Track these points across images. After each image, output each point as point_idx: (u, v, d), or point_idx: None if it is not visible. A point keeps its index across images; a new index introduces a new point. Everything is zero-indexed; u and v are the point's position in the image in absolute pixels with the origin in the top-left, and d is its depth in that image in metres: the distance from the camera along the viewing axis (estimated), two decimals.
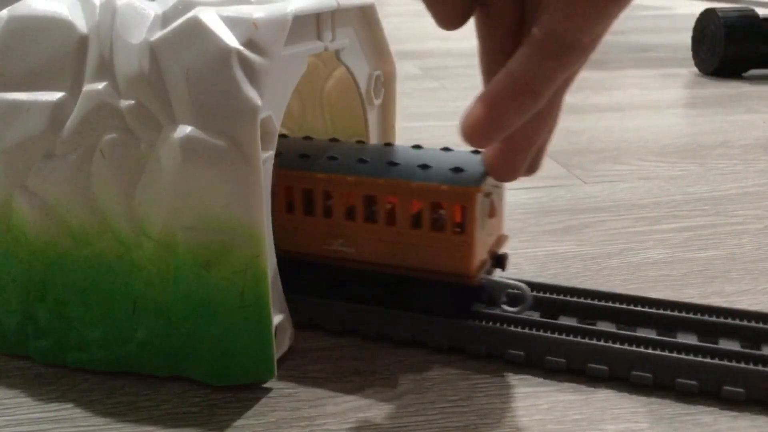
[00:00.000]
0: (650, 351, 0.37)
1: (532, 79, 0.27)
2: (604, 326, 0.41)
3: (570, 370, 0.39)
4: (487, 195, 0.40)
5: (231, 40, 0.34)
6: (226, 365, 0.37)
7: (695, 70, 1.24)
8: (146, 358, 0.38)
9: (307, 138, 0.46)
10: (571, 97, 1.04)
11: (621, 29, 1.75)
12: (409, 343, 0.41)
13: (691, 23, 1.24)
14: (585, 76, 1.22)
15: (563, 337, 0.39)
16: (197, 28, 0.34)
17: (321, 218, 0.41)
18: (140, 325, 0.38)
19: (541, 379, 0.38)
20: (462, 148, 0.32)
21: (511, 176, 0.31)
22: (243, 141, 0.34)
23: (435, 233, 0.39)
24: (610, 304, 0.42)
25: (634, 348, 0.38)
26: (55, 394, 0.38)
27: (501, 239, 0.44)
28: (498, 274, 0.43)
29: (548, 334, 0.39)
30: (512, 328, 0.40)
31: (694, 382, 0.36)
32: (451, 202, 0.39)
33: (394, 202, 0.40)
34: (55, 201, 0.37)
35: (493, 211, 0.41)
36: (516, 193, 0.66)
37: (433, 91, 1.12)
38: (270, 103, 0.35)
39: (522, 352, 0.39)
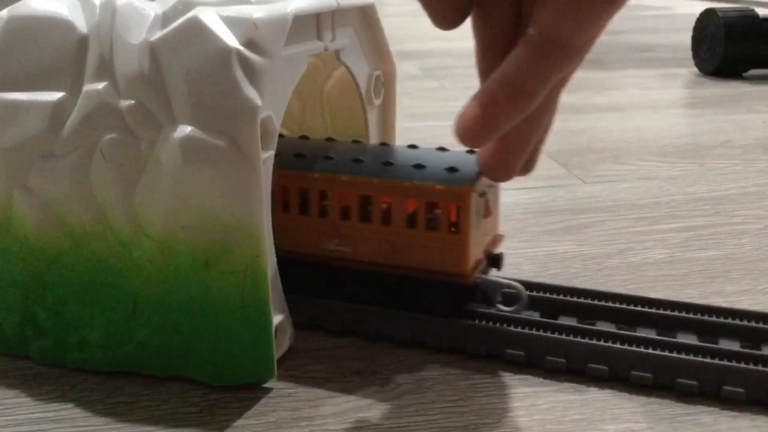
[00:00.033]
0: (650, 351, 0.37)
1: (526, 79, 0.27)
2: (604, 326, 0.41)
3: (570, 370, 0.39)
4: (482, 195, 0.40)
5: (231, 40, 0.34)
6: (226, 365, 0.37)
7: (695, 70, 1.24)
8: (146, 358, 0.38)
9: (303, 137, 0.47)
10: (571, 97, 1.04)
11: (621, 29, 1.75)
12: (409, 343, 0.41)
13: (691, 23, 1.24)
14: (585, 76, 1.22)
15: (563, 337, 0.39)
16: (197, 28, 0.34)
17: (317, 218, 0.41)
18: (140, 325, 0.38)
19: (541, 379, 0.38)
20: (457, 147, 0.32)
21: (505, 176, 0.31)
22: (243, 141, 0.34)
23: (430, 233, 0.39)
24: (610, 304, 0.42)
25: (634, 348, 0.38)
26: (55, 394, 0.38)
27: (496, 239, 0.44)
28: (494, 274, 0.43)
29: (548, 334, 0.39)
30: (512, 328, 0.40)
31: (694, 382, 0.36)
32: (446, 201, 0.39)
33: (390, 202, 0.40)
34: (55, 201, 0.37)
35: (488, 211, 0.41)
36: (516, 193, 0.66)
37: (433, 91, 1.12)
38: (270, 103, 0.35)
39: (522, 352, 0.39)
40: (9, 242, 0.39)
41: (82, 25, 0.36)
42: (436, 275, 0.40)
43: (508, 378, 0.39)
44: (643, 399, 0.37)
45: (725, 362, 0.36)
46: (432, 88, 1.15)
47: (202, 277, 0.36)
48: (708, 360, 0.36)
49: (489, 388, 0.38)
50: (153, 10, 0.36)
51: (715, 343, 0.39)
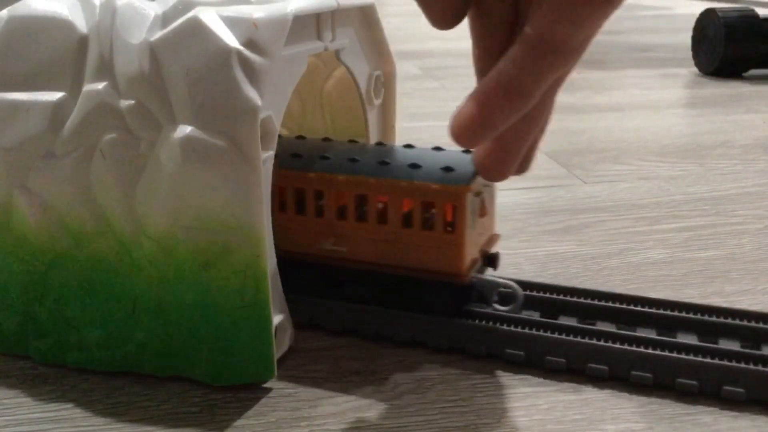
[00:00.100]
0: (650, 351, 0.37)
1: (521, 80, 0.27)
2: (604, 326, 0.41)
3: (570, 370, 0.39)
4: (478, 194, 0.40)
5: (231, 40, 0.34)
6: (226, 365, 0.37)
7: (695, 70, 1.24)
8: (146, 358, 0.38)
9: (300, 137, 0.47)
10: (571, 97, 1.04)
11: (621, 29, 1.75)
12: (409, 343, 0.41)
13: (691, 23, 1.24)
14: (585, 76, 1.22)
15: (563, 337, 0.39)
16: (197, 28, 0.34)
17: (313, 217, 0.42)
18: (140, 325, 0.38)
19: (541, 379, 0.38)
20: (454, 147, 0.32)
21: (501, 176, 0.31)
22: (243, 141, 0.34)
23: (426, 232, 0.40)
24: (610, 304, 0.42)
25: (634, 348, 0.38)
26: (55, 394, 0.38)
27: (493, 238, 0.44)
28: (490, 273, 0.43)
29: (548, 334, 0.39)
30: (512, 328, 0.40)
31: (694, 382, 0.36)
32: (442, 201, 0.39)
33: (386, 202, 0.40)
34: (55, 201, 0.37)
35: (483, 211, 0.41)
36: (516, 193, 0.66)
37: (433, 91, 1.12)
38: (270, 103, 0.35)
39: (522, 352, 0.39)
40: (9, 242, 0.39)
41: (82, 25, 0.36)
42: (432, 275, 0.40)
43: (508, 378, 0.39)
44: (643, 399, 0.37)
45: (725, 362, 0.36)
46: (432, 88, 1.15)
47: (202, 277, 0.36)
48: (708, 360, 0.36)
49: (489, 388, 0.38)
50: (153, 10, 0.36)
51: (715, 343, 0.39)
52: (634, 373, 0.37)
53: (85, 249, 0.38)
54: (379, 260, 0.41)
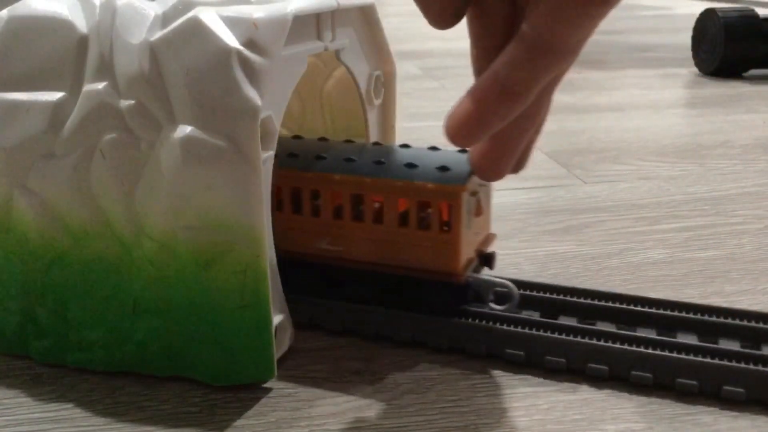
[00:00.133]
0: (650, 351, 0.37)
1: (515, 80, 0.27)
2: (604, 326, 0.41)
3: (570, 370, 0.39)
4: (474, 194, 0.40)
5: (231, 40, 0.34)
6: (226, 365, 0.37)
7: (695, 70, 1.24)
8: (146, 358, 0.38)
9: (297, 137, 0.47)
10: (571, 97, 1.04)
11: (621, 29, 1.75)
12: (409, 343, 0.41)
13: (691, 23, 1.24)
14: (585, 76, 1.22)
15: (563, 337, 0.39)
16: (197, 28, 0.34)
17: (309, 217, 0.42)
18: (140, 325, 0.38)
19: (541, 379, 0.38)
20: (450, 147, 0.32)
21: (496, 176, 0.31)
22: (243, 141, 0.34)
23: (421, 232, 0.40)
24: (610, 304, 0.42)
25: (634, 348, 0.38)
26: (55, 394, 0.38)
27: (489, 238, 0.44)
28: (487, 273, 0.43)
29: (548, 334, 0.39)
30: (512, 327, 0.40)
31: (694, 382, 0.36)
32: (438, 200, 0.39)
33: (382, 201, 0.40)
34: (55, 201, 0.37)
35: (479, 210, 0.41)
36: (516, 193, 0.66)
37: (433, 91, 1.12)
38: (270, 103, 0.35)
39: (522, 352, 0.39)
40: (9, 242, 0.39)
41: (82, 25, 0.36)
42: (428, 274, 0.40)
43: (508, 378, 0.39)
44: (643, 399, 0.37)
45: (725, 362, 0.36)
46: (432, 88, 1.15)
47: (202, 277, 0.36)
48: (708, 360, 0.36)
49: (489, 388, 0.38)
50: (153, 10, 0.36)
51: (715, 343, 0.39)
52: (634, 373, 0.37)
53: (85, 249, 0.38)
54: (375, 260, 0.41)
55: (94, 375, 0.39)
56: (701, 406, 0.36)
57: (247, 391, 0.38)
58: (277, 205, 0.42)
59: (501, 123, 0.28)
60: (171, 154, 0.34)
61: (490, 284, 0.40)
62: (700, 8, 1.28)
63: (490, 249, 0.44)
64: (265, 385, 0.38)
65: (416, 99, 1.06)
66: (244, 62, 0.34)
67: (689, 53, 1.25)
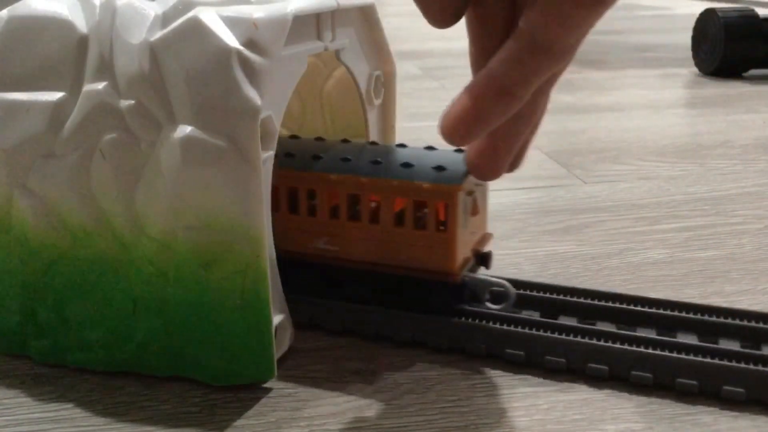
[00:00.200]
0: (650, 351, 0.37)
1: (510, 80, 0.27)
2: (604, 326, 0.41)
3: (570, 370, 0.39)
4: (470, 193, 0.40)
5: (231, 40, 0.34)
6: (226, 365, 0.37)
7: (695, 70, 1.24)
8: (146, 358, 0.38)
9: (294, 137, 0.47)
10: (571, 97, 1.04)
11: (621, 29, 1.75)
12: (409, 343, 0.41)
13: (691, 23, 1.24)
14: (585, 76, 1.22)
15: (563, 337, 0.39)
16: (197, 28, 0.34)
17: (305, 216, 0.42)
18: (140, 325, 0.38)
19: (541, 379, 0.38)
20: (447, 147, 0.32)
21: (492, 175, 0.31)
22: (243, 141, 0.34)
23: (418, 231, 0.40)
24: (610, 304, 0.42)
25: (634, 348, 0.38)
26: (55, 394, 0.38)
27: (485, 237, 0.44)
28: (483, 272, 0.43)
29: (548, 334, 0.39)
30: (512, 327, 0.40)
31: (694, 382, 0.36)
32: (434, 200, 0.39)
33: (378, 201, 0.40)
34: (55, 201, 0.37)
35: (476, 210, 0.41)
36: (516, 193, 0.66)
37: (433, 91, 1.12)
38: (270, 103, 0.35)
39: (522, 352, 0.39)
40: (9, 242, 0.39)
41: (82, 25, 0.36)
42: (424, 274, 0.40)
43: (508, 378, 0.39)
44: (643, 399, 0.37)
45: (725, 362, 0.36)
46: (432, 88, 1.15)
47: (202, 277, 0.36)
48: (708, 360, 0.36)
49: (489, 388, 0.38)
50: (153, 10, 0.36)
51: (715, 343, 0.39)
52: (634, 373, 0.37)
53: (85, 249, 0.38)
54: (372, 259, 0.41)
55: (94, 375, 0.39)
56: (701, 406, 0.36)
57: (247, 391, 0.38)
58: (273, 205, 0.42)
59: (496, 122, 0.28)
60: (171, 154, 0.34)
61: (487, 284, 0.41)
62: (700, 8, 1.28)
63: (486, 248, 0.44)
64: (265, 385, 0.38)
65: (416, 99, 1.06)
66: (244, 62, 0.34)
67: (689, 53, 1.25)
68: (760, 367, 0.36)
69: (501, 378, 0.39)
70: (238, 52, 0.34)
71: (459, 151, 0.40)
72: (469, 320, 0.40)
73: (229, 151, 0.34)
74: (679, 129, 0.91)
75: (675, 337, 0.39)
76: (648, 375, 0.37)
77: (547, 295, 0.43)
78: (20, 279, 0.39)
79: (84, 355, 0.39)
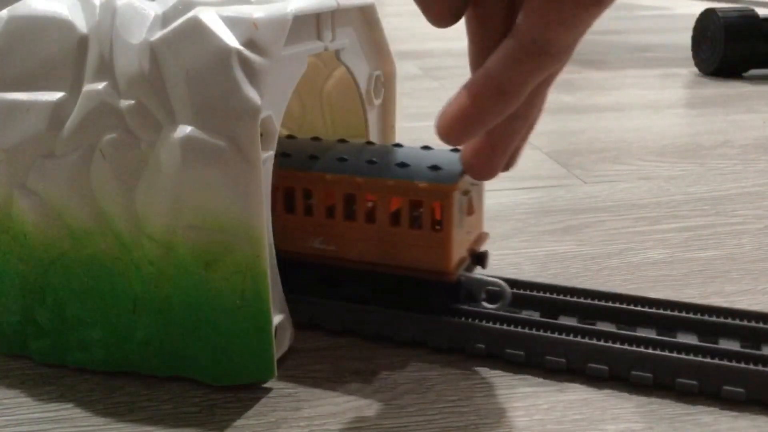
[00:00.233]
0: (650, 351, 0.37)
1: (507, 79, 0.27)
2: (604, 326, 0.41)
3: (570, 370, 0.39)
4: (466, 193, 0.40)
5: (231, 40, 0.34)
6: (226, 365, 0.37)
7: (695, 70, 1.24)
8: (146, 358, 0.38)
9: (290, 136, 0.47)
10: (571, 97, 1.04)
11: (621, 29, 1.75)
12: (409, 343, 0.41)
13: (691, 23, 1.24)
14: (585, 76, 1.22)
15: (563, 337, 0.39)
16: (197, 28, 0.34)
17: (302, 216, 0.42)
18: (140, 325, 0.38)
19: (541, 379, 0.38)
20: (443, 146, 0.32)
21: (488, 175, 0.31)
22: (243, 141, 0.34)
23: (414, 231, 0.40)
24: (610, 304, 0.42)
25: (634, 348, 0.38)
26: (55, 394, 0.38)
27: (481, 237, 0.44)
28: (479, 271, 0.43)
29: (548, 334, 0.39)
30: (512, 328, 0.40)
31: (694, 382, 0.36)
32: (429, 199, 0.39)
33: (374, 200, 0.40)
34: (55, 201, 0.37)
35: (471, 209, 0.41)
36: (516, 193, 0.66)
37: (433, 91, 1.12)
38: (270, 103, 0.35)
39: (522, 352, 0.39)
40: (9, 242, 0.39)
41: (82, 25, 0.36)
42: (420, 273, 0.40)
43: (508, 378, 0.39)
44: (643, 399, 0.37)
45: (725, 362, 0.36)
46: (432, 88, 1.15)
47: (202, 277, 0.36)
48: (708, 360, 0.36)
49: (489, 388, 0.38)
50: (153, 10, 0.36)
51: (715, 343, 0.39)
52: (634, 373, 0.37)
53: (85, 249, 0.38)
54: (367, 259, 0.41)
55: (94, 375, 0.39)
56: (701, 406, 0.36)
57: (247, 391, 0.38)
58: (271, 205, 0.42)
59: (492, 122, 0.28)
60: (171, 154, 0.34)
61: (483, 283, 0.41)
62: (700, 8, 1.28)
63: (482, 248, 0.44)
64: (265, 385, 0.38)
65: (416, 99, 1.06)
66: (244, 62, 0.34)
67: (689, 53, 1.25)
68: (760, 367, 0.36)
69: (501, 378, 0.39)
70: (238, 52, 0.34)
71: (455, 150, 0.40)
72: (469, 320, 0.40)
73: (229, 151, 0.34)
74: (679, 129, 0.91)
75: (675, 337, 0.39)
76: (648, 375, 0.37)
77: (547, 295, 0.43)
78: (20, 279, 0.39)
79: (84, 355, 0.39)
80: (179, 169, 0.34)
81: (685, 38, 1.28)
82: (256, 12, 0.35)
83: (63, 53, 0.36)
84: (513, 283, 0.44)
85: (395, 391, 0.37)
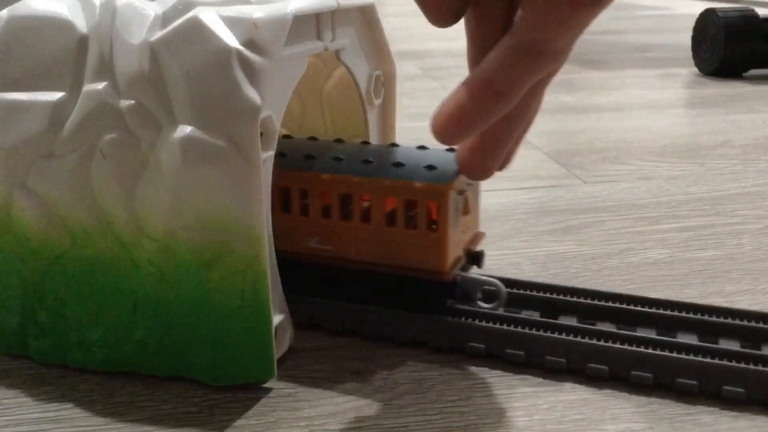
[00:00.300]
0: (650, 351, 0.37)
1: (501, 80, 0.27)
2: (604, 326, 0.41)
3: (570, 370, 0.39)
4: (461, 192, 0.40)
5: (231, 40, 0.34)
6: (226, 365, 0.37)
7: (695, 70, 1.24)
8: (146, 358, 0.38)
9: (286, 136, 0.47)
10: (571, 97, 1.04)
11: (621, 29, 1.75)
12: (409, 343, 0.41)
13: (691, 23, 1.24)
14: (585, 76, 1.22)
15: (563, 337, 0.39)
16: (197, 28, 0.34)
17: (298, 216, 0.42)
18: (140, 325, 0.38)
19: (541, 379, 0.38)
20: (439, 146, 0.32)
21: (483, 175, 0.31)
22: (243, 141, 0.34)
23: (409, 230, 0.40)
24: (610, 304, 0.42)
25: (634, 348, 0.38)
26: (55, 394, 0.38)
27: (477, 236, 0.44)
28: (475, 271, 0.43)
29: (548, 334, 0.39)
30: (512, 327, 0.40)
31: (694, 382, 0.36)
32: (425, 199, 0.39)
33: (370, 200, 0.40)
34: (55, 201, 0.37)
35: (467, 209, 0.41)
36: (516, 193, 0.66)
37: (433, 91, 1.12)
38: (270, 103, 0.35)
39: (522, 352, 0.39)
40: (9, 242, 0.39)
41: (82, 25, 0.36)
42: (415, 272, 0.40)
43: (508, 378, 0.39)
44: (643, 399, 0.37)
45: (725, 362, 0.36)
46: (432, 88, 1.15)
47: (202, 277, 0.36)
48: (708, 360, 0.36)
49: (489, 388, 0.38)
50: (153, 10, 0.36)
51: (715, 343, 0.39)
52: (634, 373, 0.37)
53: (85, 249, 0.38)
54: (363, 259, 0.41)
55: (94, 375, 0.39)
56: (701, 406, 0.36)
57: (247, 391, 0.38)
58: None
59: (487, 122, 0.28)
60: (171, 154, 0.34)
61: (478, 282, 0.41)
62: (700, 8, 1.28)
63: (478, 247, 0.44)
64: (265, 385, 0.38)
65: (416, 99, 1.06)
66: (244, 62, 0.34)
67: (689, 53, 1.25)
68: (760, 367, 0.36)
69: (501, 378, 0.39)
70: (238, 52, 0.34)
71: (451, 150, 0.40)
72: (469, 320, 0.40)
73: (229, 151, 0.34)
74: (679, 129, 0.91)
75: (675, 337, 0.39)
76: (648, 375, 0.37)
77: (547, 295, 0.43)
78: (20, 279, 0.39)
79: (84, 355, 0.39)
80: (179, 169, 0.34)
81: (685, 38, 1.28)
82: (256, 12, 0.35)
83: (63, 53, 0.36)
84: (513, 283, 0.44)
85: (395, 391, 0.37)
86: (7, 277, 0.39)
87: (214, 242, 0.35)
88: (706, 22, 1.20)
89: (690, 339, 0.39)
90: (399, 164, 0.40)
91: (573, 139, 0.85)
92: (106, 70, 0.36)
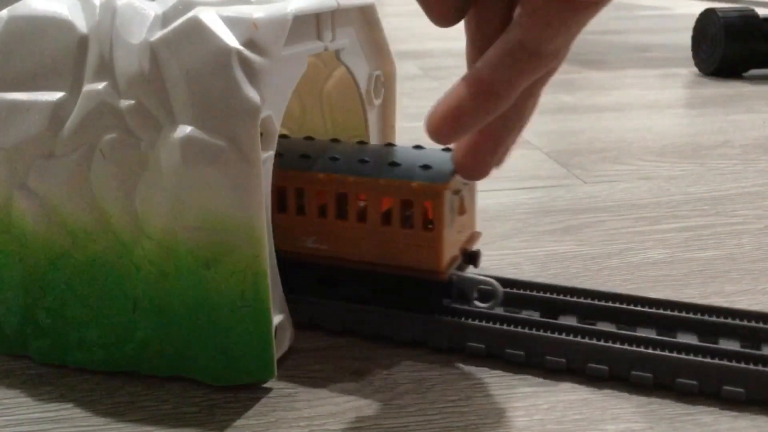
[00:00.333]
0: (650, 351, 0.37)
1: (496, 81, 0.27)
2: (604, 326, 0.41)
3: (570, 370, 0.39)
4: (457, 192, 0.40)
5: (231, 40, 0.34)
6: (226, 365, 0.37)
7: (695, 70, 1.24)
8: (146, 358, 0.38)
9: (283, 136, 0.47)
10: (571, 97, 1.04)
11: (621, 29, 1.75)
12: (408, 343, 0.41)
13: (691, 23, 1.24)
14: (585, 76, 1.22)
15: (563, 337, 0.39)
16: (197, 28, 0.34)
17: (294, 215, 0.42)
18: (140, 325, 0.38)
19: (541, 379, 0.38)
20: (435, 146, 0.32)
21: (479, 174, 0.31)
22: (243, 141, 0.34)
23: (405, 230, 0.40)
24: (610, 304, 0.42)
25: (634, 348, 0.38)
26: (55, 394, 0.38)
27: (473, 236, 0.44)
28: (471, 270, 0.43)
29: (548, 334, 0.39)
30: (512, 327, 0.40)
31: (694, 382, 0.36)
32: (421, 198, 0.39)
33: (366, 200, 0.40)
34: (55, 201, 0.37)
35: (463, 209, 0.41)
36: (516, 193, 0.66)
37: (433, 91, 1.12)
38: (270, 103, 0.35)
39: (522, 352, 0.39)
40: (9, 242, 0.39)
41: (82, 25, 0.36)
42: (411, 272, 0.40)
43: (508, 378, 0.39)
44: (643, 399, 0.37)
45: (725, 362, 0.36)
46: (432, 88, 1.15)
47: (202, 277, 0.36)
48: (708, 360, 0.36)
49: (489, 388, 0.38)
50: (153, 10, 0.36)
51: (715, 343, 0.39)
52: (634, 373, 0.37)
53: (85, 249, 0.38)
54: (360, 258, 0.41)
55: (94, 375, 0.39)
56: (701, 406, 0.36)
57: (247, 391, 0.38)
58: None
59: (482, 121, 0.28)
60: (171, 154, 0.34)
61: (475, 282, 0.41)
62: (700, 8, 1.28)
63: (475, 247, 0.44)
64: (265, 385, 0.38)
65: (416, 99, 1.06)
66: (244, 62, 0.34)
67: (689, 53, 1.25)
68: (760, 367, 0.36)
69: (501, 378, 0.39)
70: (238, 52, 0.34)
71: (446, 150, 0.40)
72: (469, 320, 0.40)
73: (229, 151, 0.34)
74: (679, 129, 0.91)
75: (675, 337, 0.39)
76: (648, 375, 0.37)
77: (547, 295, 0.43)
78: (20, 279, 0.39)
79: (84, 355, 0.39)
80: (179, 169, 0.34)
81: (685, 38, 1.28)
82: (256, 12, 0.35)
83: (63, 53, 0.36)
84: (513, 283, 0.44)
85: (395, 391, 0.37)
86: (7, 277, 0.39)
87: (214, 242, 0.35)
88: (706, 22, 1.20)
89: (690, 339, 0.39)
90: (395, 164, 0.40)
91: (573, 139, 0.85)
92: (106, 70, 0.36)
